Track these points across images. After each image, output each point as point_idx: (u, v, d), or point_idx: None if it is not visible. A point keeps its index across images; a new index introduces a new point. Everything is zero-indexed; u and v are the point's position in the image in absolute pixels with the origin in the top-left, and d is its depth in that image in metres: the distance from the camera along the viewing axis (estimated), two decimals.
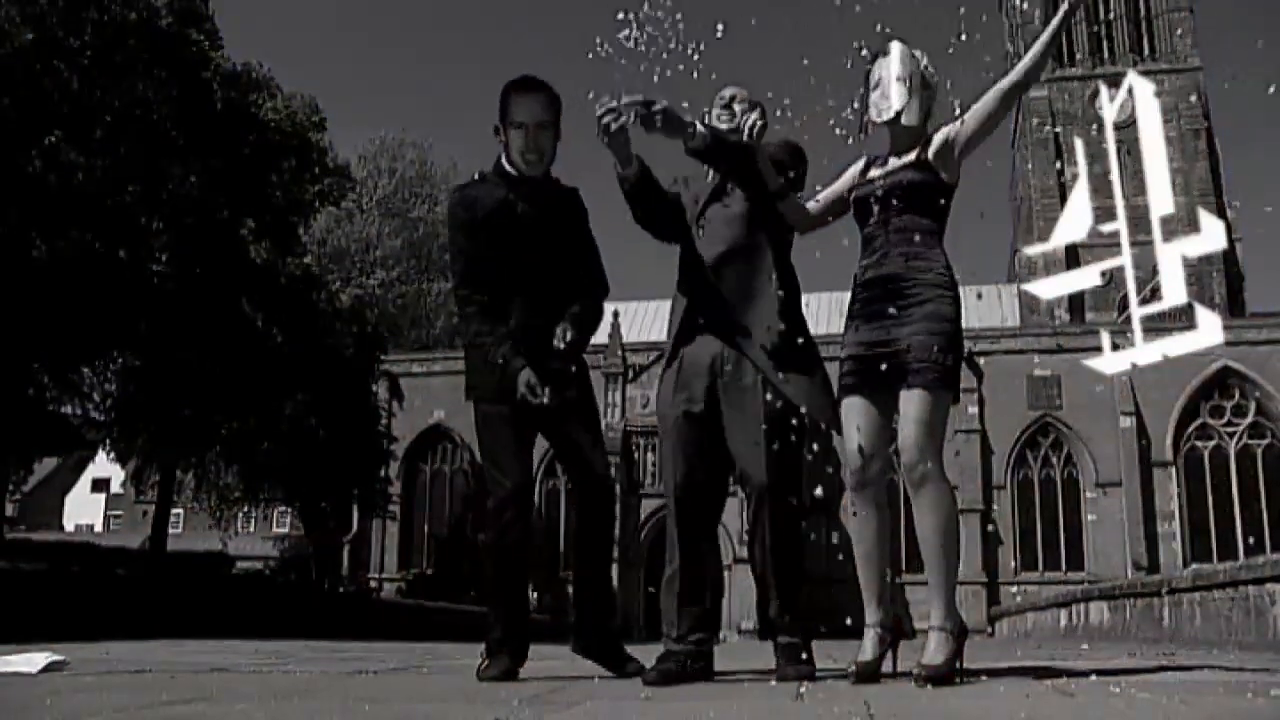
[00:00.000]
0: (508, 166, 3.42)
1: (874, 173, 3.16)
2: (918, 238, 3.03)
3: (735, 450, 3.24)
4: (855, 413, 3.07)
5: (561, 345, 3.23)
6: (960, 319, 3.01)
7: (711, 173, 3.44)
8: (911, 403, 2.92)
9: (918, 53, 3.15)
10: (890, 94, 3.09)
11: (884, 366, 2.98)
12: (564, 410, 3.34)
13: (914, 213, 3.05)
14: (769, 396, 3.18)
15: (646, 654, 3.46)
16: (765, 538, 3.20)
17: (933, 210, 3.07)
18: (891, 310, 3.00)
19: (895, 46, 3.12)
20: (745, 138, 3.11)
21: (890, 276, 3.03)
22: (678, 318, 3.38)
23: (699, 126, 3.17)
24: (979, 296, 39.95)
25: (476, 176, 3.53)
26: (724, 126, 3.38)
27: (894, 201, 3.05)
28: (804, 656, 3.20)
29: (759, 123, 3.10)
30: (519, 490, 3.34)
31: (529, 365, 3.22)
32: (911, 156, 3.09)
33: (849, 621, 3.38)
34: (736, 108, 3.39)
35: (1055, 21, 3.07)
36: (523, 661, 3.43)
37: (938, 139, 3.09)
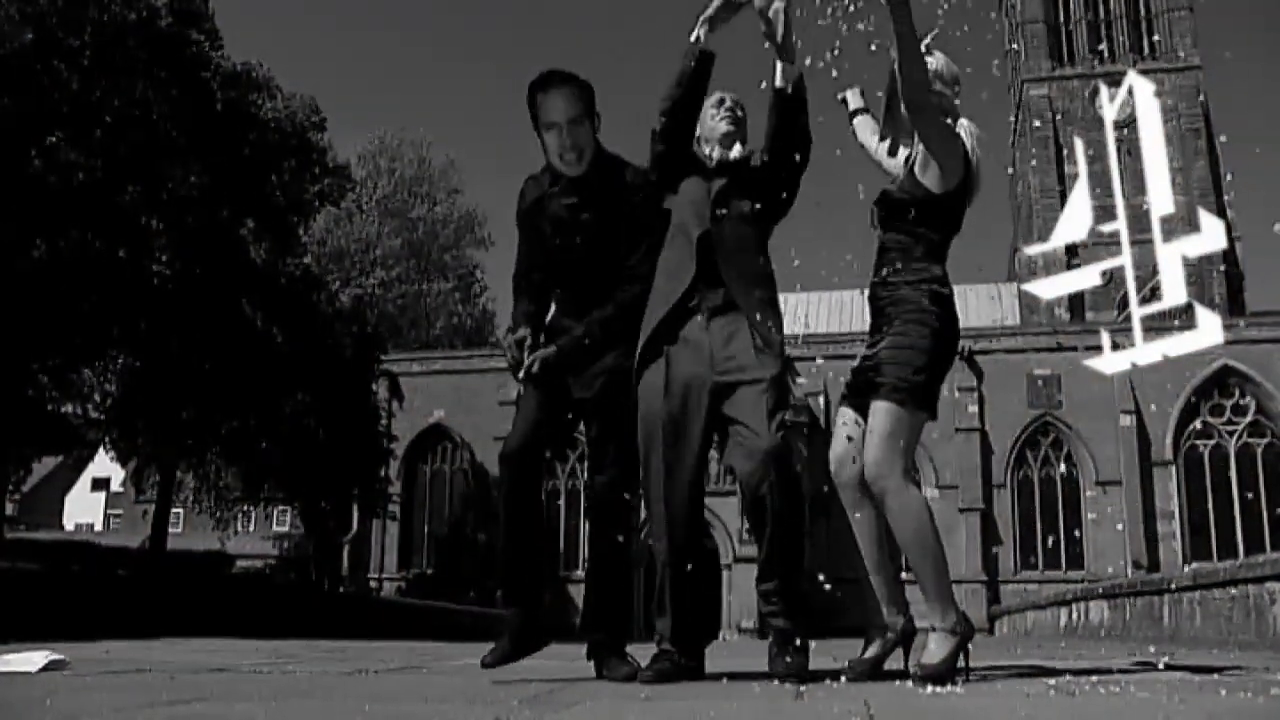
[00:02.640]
0: (554, 165, 3.34)
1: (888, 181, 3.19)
2: (897, 252, 3.06)
3: (737, 425, 3.13)
4: (841, 420, 3.18)
5: (521, 374, 3.21)
6: (938, 334, 2.99)
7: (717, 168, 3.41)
8: (875, 415, 2.97)
9: (929, 58, 3.12)
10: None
11: (865, 380, 3.05)
12: (593, 408, 3.30)
13: (895, 228, 3.08)
14: (770, 371, 3.11)
15: (647, 653, 3.45)
16: (775, 502, 3.04)
17: (914, 224, 3.06)
18: (879, 327, 3.06)
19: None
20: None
21: (875, 294, 3.10)
22: (671, 293, 3.27)
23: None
24: (979, 296, 39.97)
25: (542, 169, 3.46)
26: (725, 128, 3.40)
27: (880, 216, 3.11)
28: (798, 644, 3.08)
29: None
30: (514, 450, 3.30)
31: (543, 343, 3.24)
32: (903, 171, 3.11)
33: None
34: (739, 113, 3.43)
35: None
36: (533, 641, 3.29)
37: (919, 150, 3.07)
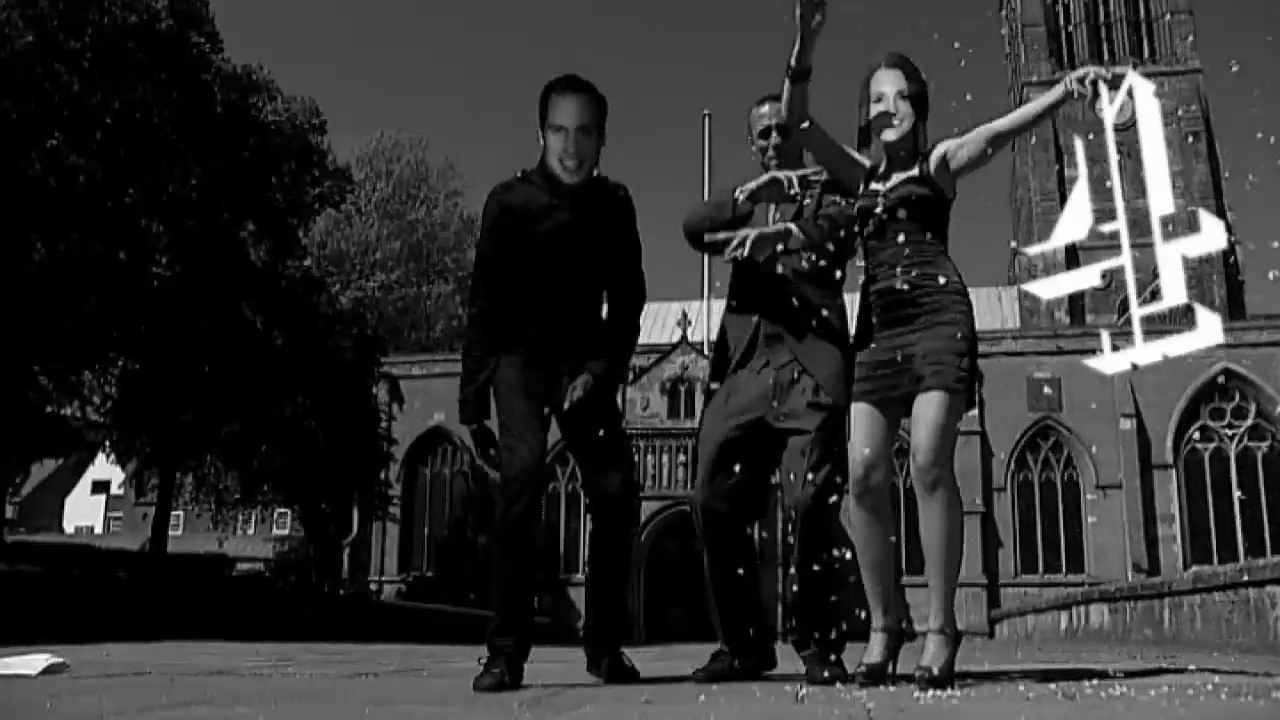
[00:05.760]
0: (551, 170, 3.28)
1: (875, 185, 3.13)
2: (927, 250, 3.04)
3: (785, 469, 3.26)
4: (862, 420, 3.06)
5: (566, 405, 3.21)
6: (974, 328, 3.02)
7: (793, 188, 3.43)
8: (928, 405, 2.91)
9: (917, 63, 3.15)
10: (894, 110, 3.07)
11: (899, 376, 2.98)
12: (580, 414, 3.26)
13: (920, 226, 3.05)
14: (821, 413, 3.21)
15: (648, 655, 3.46)
16: (799, 560, 3.22)
17: (936, 223, 3.08)
18: (908, 321, 2.99)
19: (895, 59, 3.12)
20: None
21: (904, 289, 3.01)
22: (741, 332, 3.39)
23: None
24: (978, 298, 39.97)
25: (519, 175, 3.37)
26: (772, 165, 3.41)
27: (900, 215, 3.04)
28: (833, 658, 3.24)
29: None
30: (530, 467, 3.14)
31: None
32: (915, 170, 3.08)
33: (845, 626, 3.38)
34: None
35: (1054, 95, 2.95)
36: (524, 658, 3.21)
37: (936, 154, 3.07)
